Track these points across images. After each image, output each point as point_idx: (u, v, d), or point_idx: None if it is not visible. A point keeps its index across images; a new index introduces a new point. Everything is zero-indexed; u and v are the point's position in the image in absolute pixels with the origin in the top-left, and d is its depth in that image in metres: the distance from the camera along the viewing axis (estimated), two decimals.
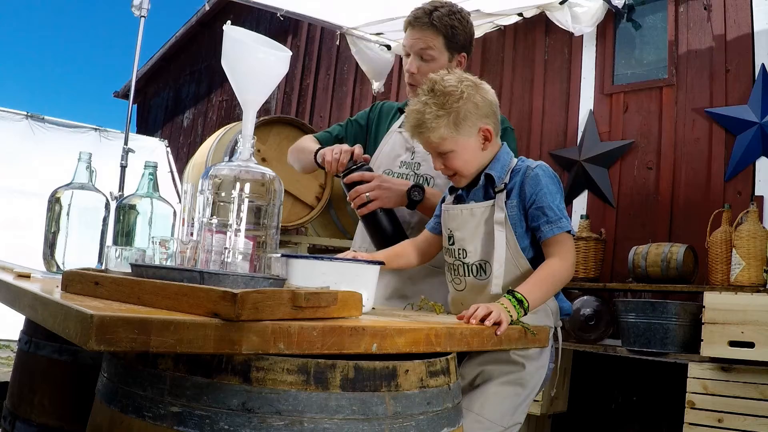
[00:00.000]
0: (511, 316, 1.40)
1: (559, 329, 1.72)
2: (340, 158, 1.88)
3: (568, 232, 1.55)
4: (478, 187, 1.63)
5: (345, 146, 1.93)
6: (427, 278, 1.95)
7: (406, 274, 1.95)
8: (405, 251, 1.75)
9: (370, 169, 1.91)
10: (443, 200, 1.73)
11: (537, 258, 1.58)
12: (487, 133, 1.58)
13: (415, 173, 2.00)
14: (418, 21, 1.99)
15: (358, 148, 1.91)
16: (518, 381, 1.61)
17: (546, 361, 1.67)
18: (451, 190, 1.71)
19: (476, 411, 1.56)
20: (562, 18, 4.16)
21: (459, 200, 1.67)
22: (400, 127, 2.07)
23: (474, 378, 1.62)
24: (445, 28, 1.98)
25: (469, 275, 1.61)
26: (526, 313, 1.45)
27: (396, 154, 2.05)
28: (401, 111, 2.12)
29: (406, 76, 2.04)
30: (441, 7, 2.00)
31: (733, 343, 2.80)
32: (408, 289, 1.95)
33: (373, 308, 1.45)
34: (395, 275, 1.97)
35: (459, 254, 1.62)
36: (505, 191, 1.58)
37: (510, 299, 1.43)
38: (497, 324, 1.36)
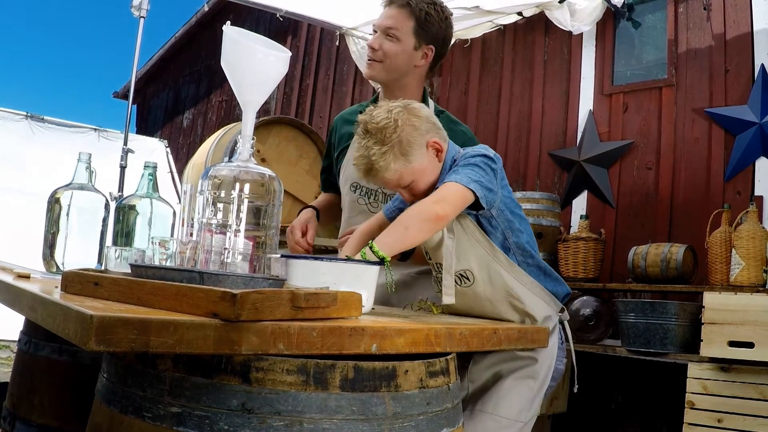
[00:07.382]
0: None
1: (566, 323, 1.70)
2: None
3: (463, 185, 1.45)
4: None
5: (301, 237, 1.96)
6: (422, 281, 1.93)
7: (401, 279, 1.93)
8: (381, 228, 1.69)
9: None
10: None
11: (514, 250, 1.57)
12: (437, 145, 1.55)
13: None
14: (395, 0, 1.97)
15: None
16: (530, 374, 1.60)
17: (554, 348, 1.65)
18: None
19: (490, 411, 1.55)
20: (560, 17, 4.16)
21: None
22: None
23: (484, 381, 1.61)
24: (419, 12, 1.95)
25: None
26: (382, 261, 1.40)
27: None
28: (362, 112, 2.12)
29: (369, 50, 2.04)
30: None
31: (733, 343, 2.80)
32: (402, 294, 1.92)
33: (373, 308, 1.45)
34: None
35: (438, 267, 1.59)
36: None
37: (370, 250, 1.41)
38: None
